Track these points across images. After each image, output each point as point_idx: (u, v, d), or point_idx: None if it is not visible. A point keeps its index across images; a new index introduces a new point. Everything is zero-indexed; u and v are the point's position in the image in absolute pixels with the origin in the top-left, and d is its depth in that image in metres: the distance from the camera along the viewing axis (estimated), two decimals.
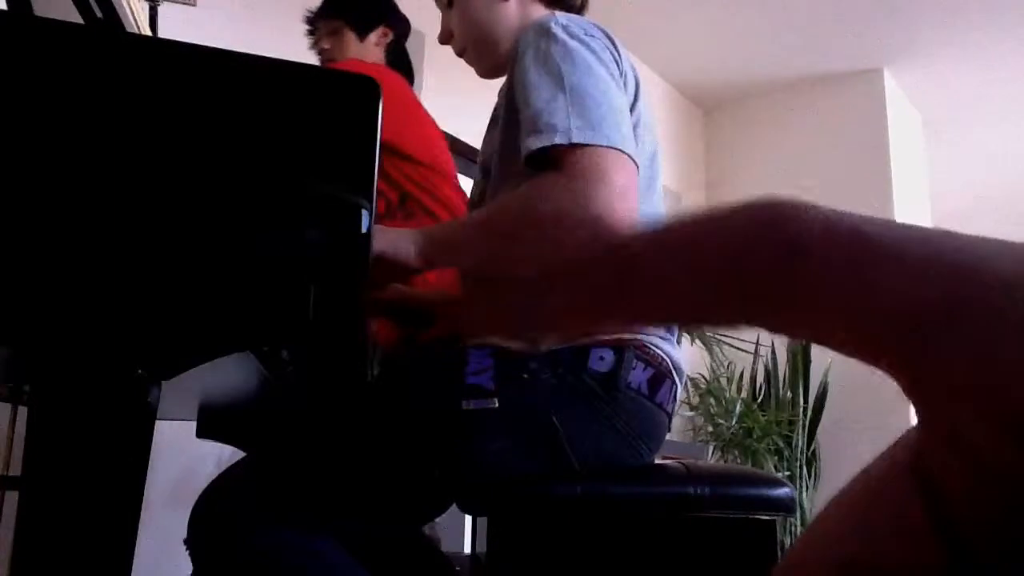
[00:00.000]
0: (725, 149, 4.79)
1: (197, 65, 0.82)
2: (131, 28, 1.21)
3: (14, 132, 0.76)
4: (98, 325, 0.76)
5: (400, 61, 1.94)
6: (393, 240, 1.02)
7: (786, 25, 4.01)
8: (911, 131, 4.68)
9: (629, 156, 0.97)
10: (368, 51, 1.87)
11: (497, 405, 0.97)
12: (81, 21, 1.04)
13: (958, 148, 5.23)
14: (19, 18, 0.84)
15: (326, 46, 1.88)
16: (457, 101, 2.83)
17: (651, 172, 1.12)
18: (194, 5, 1.66)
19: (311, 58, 1.95)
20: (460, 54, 1.28)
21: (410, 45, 2.08)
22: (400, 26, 1.94)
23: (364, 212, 0.81)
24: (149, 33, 1.42)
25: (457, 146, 2.73)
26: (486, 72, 1.24)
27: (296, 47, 2.62)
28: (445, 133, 2.71)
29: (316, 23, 1.94)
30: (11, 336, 0.76)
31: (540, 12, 1.20)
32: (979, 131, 5.02)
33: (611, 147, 0.96)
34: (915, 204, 4.55)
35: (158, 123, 0.80)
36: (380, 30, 1.89)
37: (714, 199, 4.75)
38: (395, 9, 1.96)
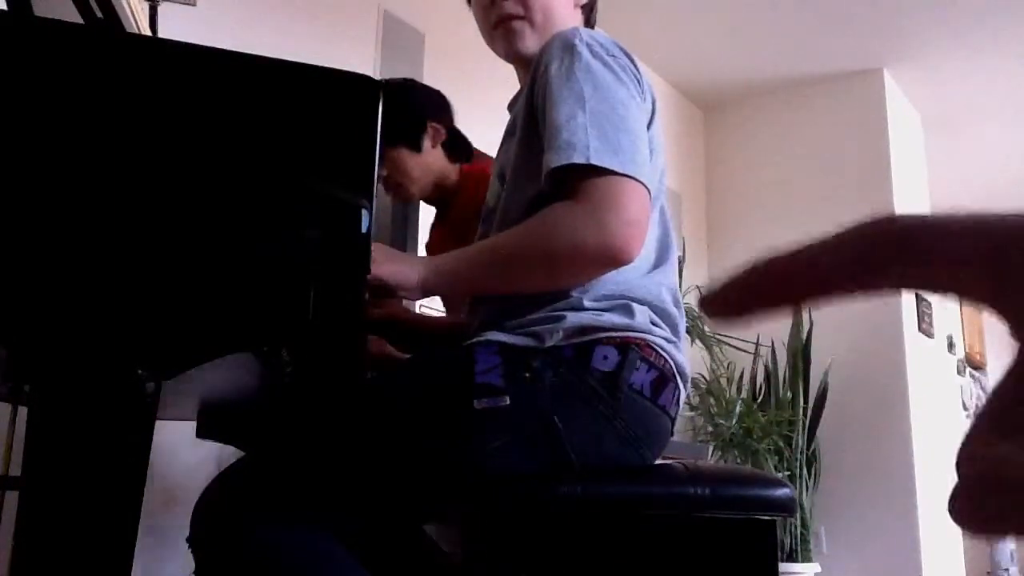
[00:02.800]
0: (725, 149, 4.79)
1: (197, 65, 0.82)
2: (131, 28, 1.21)
3: (14, 132, 0.76)
4: (98, 325, 0.76)
5: (459, 144, 1.83)
6: (396, 269, 1.04)
7: (786, 25, 4.01)
8: (911, 131, 4.68)
9: (644, 185, 0.99)
10: (429, 157, 1.76)
11: (508, 403, 0.97)
12: (81, 21, 1.04)
13: (957, 147, 5.23)
14: (19, 18, 0.84)
15: (384, 173, 1.77)
16: (456, 101, 2.83)
17: (658, 188, 1.14)
18: (194, 5, 1.66)
19: (311, 58, 1.95)
20: (511, 17, 1.19)
21: (410, 45, 2.07)
22: (444, 114, 1.82)
23: (364, 212, 0.81)
24: (149, 33, 1.42)
25: None
26: (516, 51, 1.20)
27: (296, 47, 2.62)
28: None
29: None
30: (11, 336, 0.76)
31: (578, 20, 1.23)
32: (978, 131, 5.02)
33: (626, 175, 0.98)
34: (915, 204, 4.55)
35: (158, 123, 0.80)
36: (430, 131, 1.77)
37: (714, 199, 4.75)
38: (431, 102, 1.82)
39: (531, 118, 1.10)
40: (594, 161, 0.97)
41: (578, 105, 1.01)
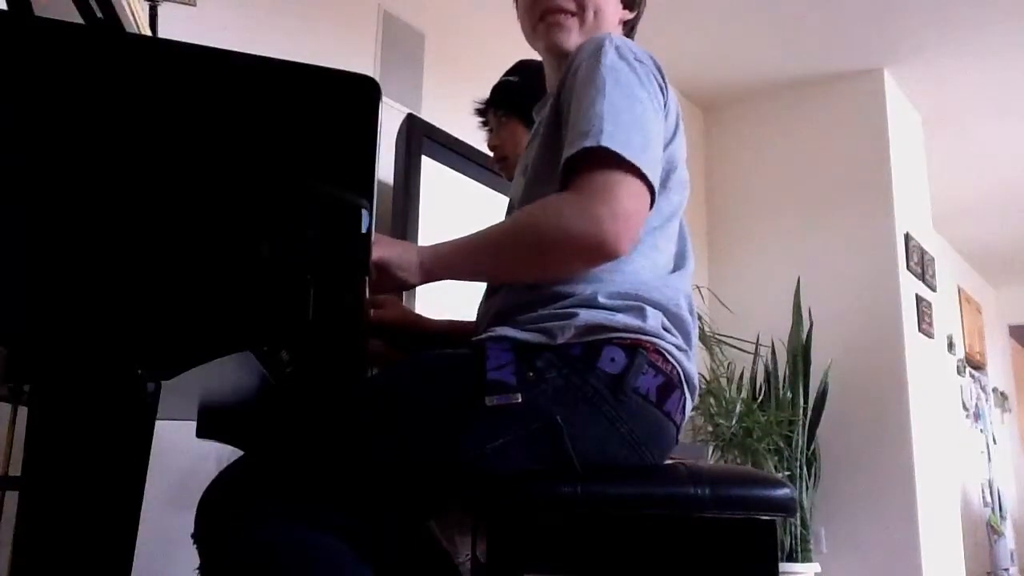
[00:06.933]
0: (725, 149, 4.79)
1: (197, 65, 0.82)
2: (131, 28, 1.21)
3: (14, 132, 0.76)
4: (98, 325, 0.76)
5: None
6: (398, 252, 1.05)
7: (786, 25, 4.01)
8: (911, 131, 4.68)
9: (646, 182, 1.00)
10: None
11: (520, 400, 0.97)
12: (81, 21, 1.04)
13: (958, 147, 5.23)
14: (19, 18, 0.84)
15: (496, 143, 1.88)
16: (457, 101, 2.83)
17: (679, 202, 1.17)
18: (194, 5, 1.66)
19: (311, 58, 1.95)
20: (562, 11, 1.22)
21: (410, 45, 2.08)
22: None
23: (364, 212, 0.81)
24: (149, 33, 1.42)
25: (458, 147, 2.73)
26: (558, 45, 1.22)
27: (296, 47, 2.62)
28: (445, 133, 2.72)
29: (485, 115, 1.95)
30: (11, 336, 0.76)
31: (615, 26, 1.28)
32: (978, 131, 5.02)
33: (631, 165, 0.99)
34: (915, 204, 4.55)
35: (158, 123, 0.80)
36: None
37: (714, 199, 4.75)
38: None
39: (557, 117, 1.12)
40: (603, 142, 0.98)
41: (598, 97, 1.03)
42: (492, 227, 1.09)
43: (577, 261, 1.02)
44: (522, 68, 1.86)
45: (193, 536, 0.95)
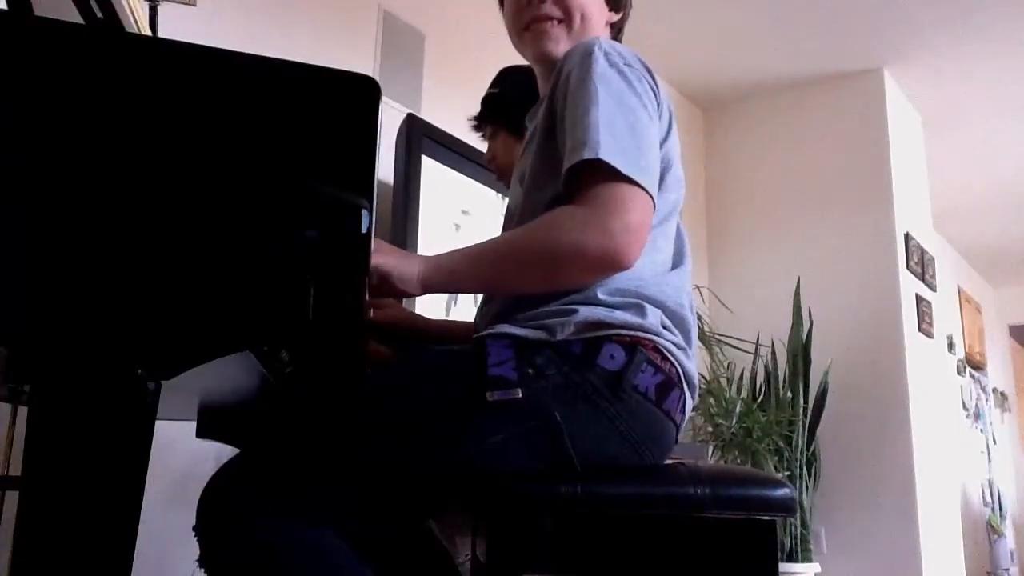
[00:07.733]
0: (725, 149, 4.79)
1: (197, 65, 0.82)
2: (131, 28, 1.21)
3: (14, 132, 0.76)
4: (98, 325, 0.76)
5: None
6: (398, 262, 1.04)
7: (786, 25, 4.01)
8: (911, 131, 4.68)
9: (646, 191, 1.01)
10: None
11: (521, 396, 0.97)
12: (81, 21, 1.04)
13: (958, 148, 5.23)
14: (19, 18, 0.84)
15: (491, 156, 1.91)
16: (457, 101, 2.83)
17: (675, 202, 1.16)
18: (194, 5, 1.66)
19: (311, 58, 1.95)
20: (548, 19, 1.22)
21: (410, 45, 2.07)
22: None
23: (364, 212, 0.82)
24: (149, 33, 1.42)
25: (458, 147, 2.73)
26: (546, 53, 1.22)
27: (296, 47, 2.62)
28: (445, 133, 2.72)
29: (481, 129, 1.96)
30: (11, 336, 0.76)
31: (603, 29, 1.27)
32: (978, 131, 5.02)
33: (630, 178, 0.99)
34: (915, 204, 4.55)
35: (158, 123, 0.80)
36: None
37: (714, 199, 4.75)
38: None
39: (550, 123, 1.12)
40: (601, 155, 0.99)
41: (591, 107, 1.03)
42: (496, 240, 1.09)
43: (587, 273, 1.03)
44: (503, 78, 1.87)
45: (194, 528, 0.96)
